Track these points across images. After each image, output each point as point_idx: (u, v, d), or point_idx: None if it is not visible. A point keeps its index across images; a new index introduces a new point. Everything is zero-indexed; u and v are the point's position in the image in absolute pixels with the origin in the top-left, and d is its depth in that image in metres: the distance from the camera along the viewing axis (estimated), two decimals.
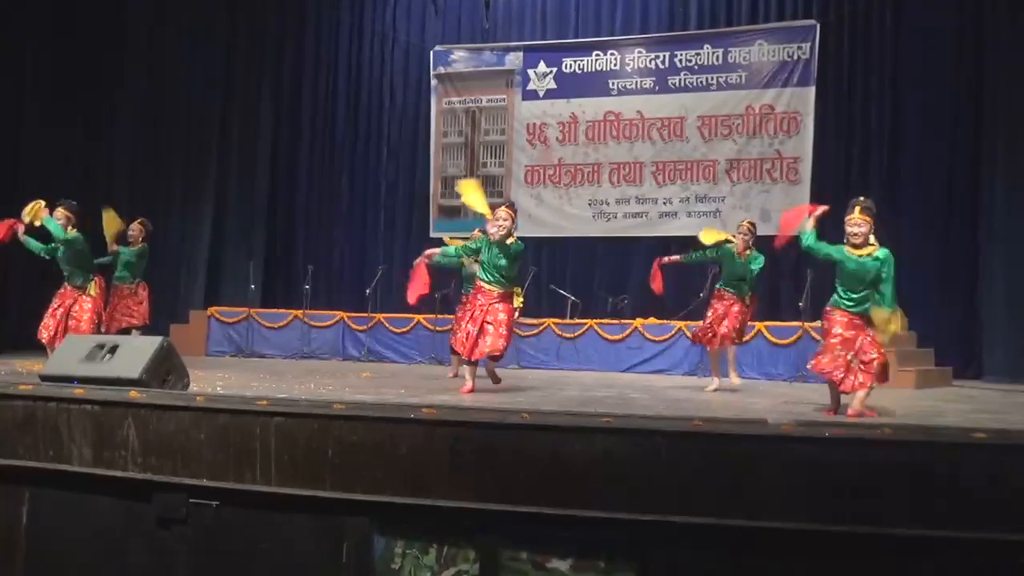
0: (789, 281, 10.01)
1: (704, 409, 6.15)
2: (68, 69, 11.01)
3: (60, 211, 7.39)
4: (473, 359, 6.73)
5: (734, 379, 7.73)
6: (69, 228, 7.37)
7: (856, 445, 3.21)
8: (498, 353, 6.73)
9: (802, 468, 3.18)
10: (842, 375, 5.59)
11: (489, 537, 3.44)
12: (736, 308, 7.52)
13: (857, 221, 5.74)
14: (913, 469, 3.11)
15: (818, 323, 8.80)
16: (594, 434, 3.34)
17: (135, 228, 8.81)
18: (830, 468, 3.16)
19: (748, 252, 7.57)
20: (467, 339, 6.65)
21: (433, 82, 11.88)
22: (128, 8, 11.91)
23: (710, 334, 7.54)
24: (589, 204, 11.18)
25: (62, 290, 7.47)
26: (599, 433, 3.34)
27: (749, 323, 7.97)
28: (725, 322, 7.48)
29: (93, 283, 7.47)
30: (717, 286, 7.81)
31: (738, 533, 3.19)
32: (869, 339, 5.62)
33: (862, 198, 5.98)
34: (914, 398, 7.46)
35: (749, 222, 7.84)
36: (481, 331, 6.58)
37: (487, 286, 6.73)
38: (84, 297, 7.39)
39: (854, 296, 5.69)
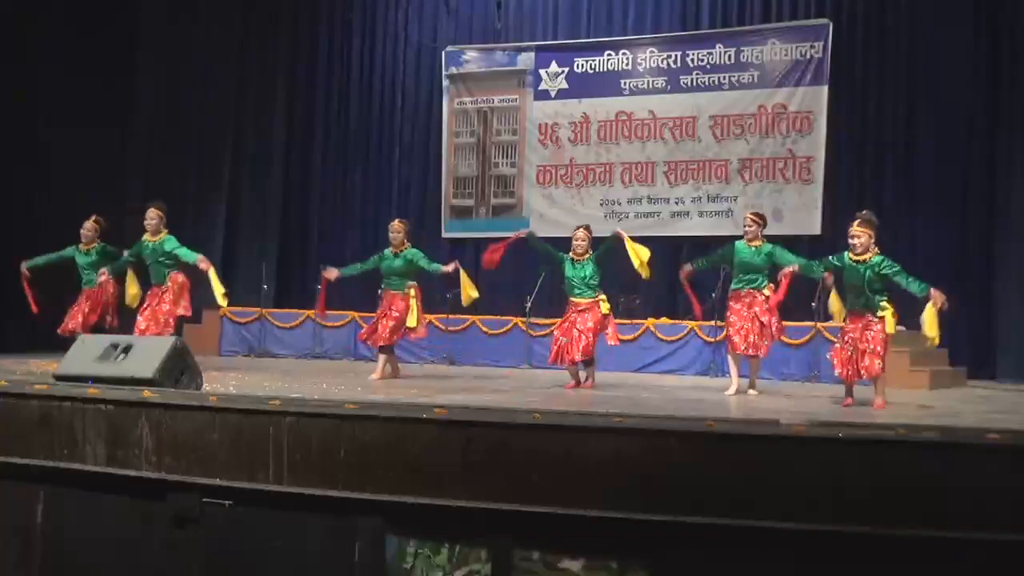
0: (800, 281, 9.97)
1: (716, 410, 6.13)
2: (83, 68, 11.05)
3: (153, 211, 7.94)
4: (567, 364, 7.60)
5: (752, 390, 7.26)
6: (161, 228, 7.97)
7: (869, 446, 3.19)
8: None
9: (814, 469, 3.17)
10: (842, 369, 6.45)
11: (501, 537, 3.44)
12: (758, 307, 7.17)
13: (856, 232, 6.45)
14: (927, 470, 3.10)
15: (830, 322, 8.82)
16: (606, 434, 3.35)
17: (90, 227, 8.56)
18: (843, 469, 3.15)
19: (758, 243, 7.30)
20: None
21: (445, 82, 11.88)
22: (143, 6, 11.96)
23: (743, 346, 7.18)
24: (601, 204, 11.16)
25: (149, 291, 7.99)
26: (611, 433, 3.35)
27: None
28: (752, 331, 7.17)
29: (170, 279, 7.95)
30: (732, 287, 7.46)
31: (750, 534, 3.18)
32: (872, 335, 6.35)
33: (864, 212, 6.69)
34: (928, 398, 7.42)
35: (752, 214, 7.57)
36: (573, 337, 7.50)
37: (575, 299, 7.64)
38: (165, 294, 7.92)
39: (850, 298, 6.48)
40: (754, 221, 7.40)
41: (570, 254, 7.78)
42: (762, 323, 7.13)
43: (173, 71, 12.05)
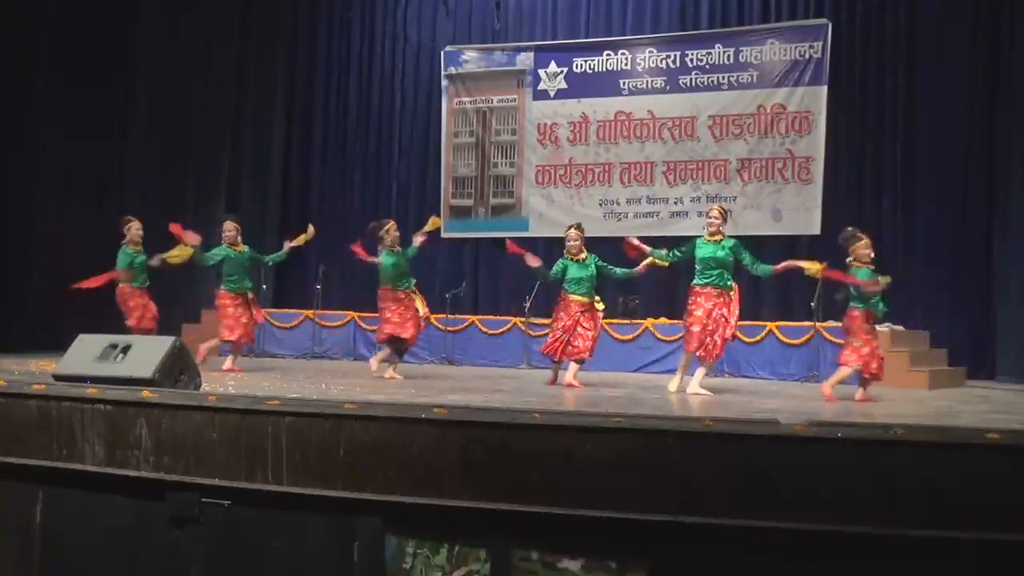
0: (801, 280, 9.98)
1: (715, 409, 6.14)
2: (80, 70, 11.05)
3: (230, 224, 8.77)
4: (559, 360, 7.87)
5: (695, 386, 7.14)
6: (238, 240, 8.73)
7: (869, 446, 3.19)
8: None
9: (814, 469, 3.17)
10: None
11: (500, 537, 3.44)
12: (726, 309, 7.12)
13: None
14: (926, 470, 3.10)
15: (829, 322, 8.84)
16: (605, 434, 3.34)
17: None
18: (842, 469, 3.15)
19: (719, 237, 7.23)
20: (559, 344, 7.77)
21: (444, 82, 11.89)
22: (142, 5, 11.95)
23: (710, 346, 7.11)
24: (600, 204, 11.16)
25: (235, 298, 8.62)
26: (610, 433, 3.34)
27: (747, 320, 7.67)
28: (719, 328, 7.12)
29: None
30: (694, 282, 7.33)
31: (749, 534, 3.18)
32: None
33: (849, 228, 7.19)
34: (927, 398, 7.43)
35: (718, 207, 7.51)
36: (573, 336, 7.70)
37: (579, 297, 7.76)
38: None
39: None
40: (720, 215, 7.35)
41: (567, 255, 7.84)
42: (723, 329, 7.10)
43: (172, 71, 12.04)
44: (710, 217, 7.39)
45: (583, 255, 7.82)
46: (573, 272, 7.77)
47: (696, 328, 7.17)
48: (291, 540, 3.71)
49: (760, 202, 10.48)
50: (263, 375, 8.18)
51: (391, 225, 8.42)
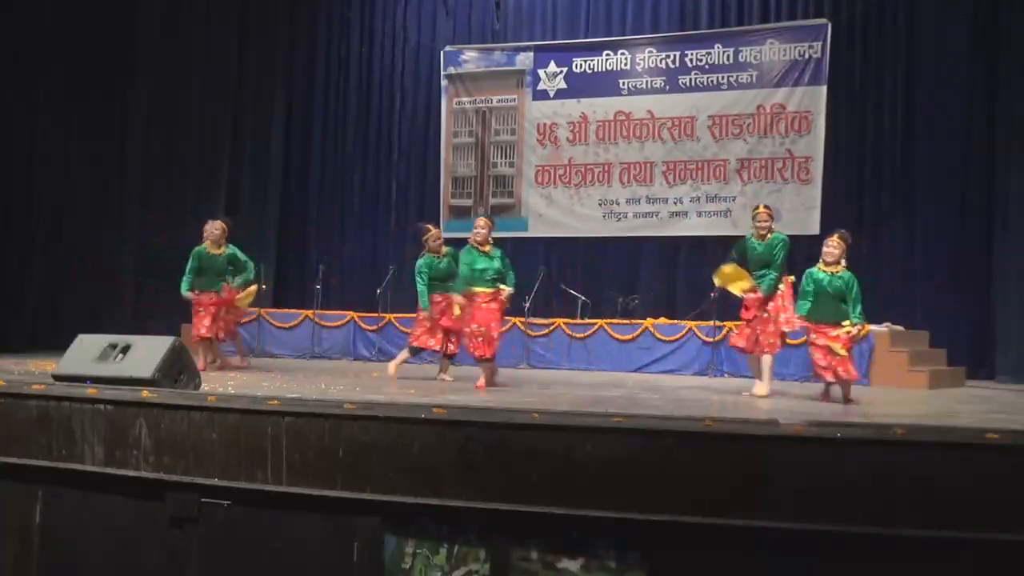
0: (799, 280, 9.97)
1: (715, 409, 6.13)
2: (80, 70, 11.04)
3: (220, 224, 8.74)
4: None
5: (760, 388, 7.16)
6: (223, 240, 8.68)
7: (868, 446, 3.19)
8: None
9: (813, 469, 3.17)
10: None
11: (499, 537, 3.44)
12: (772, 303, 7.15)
13: (834, 243, 6.85)
14: (926, 470, 3.10)
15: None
16: (605, 434, 3.34)
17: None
18: (841, 469, 3.15)
19: (769, 236, 7.25)
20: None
21: (444, 82, 11.89)
22: (141, 6, 11.94)
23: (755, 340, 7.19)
24: (599, 204, 11.16)
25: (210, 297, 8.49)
26: (610, 433, 3.34)
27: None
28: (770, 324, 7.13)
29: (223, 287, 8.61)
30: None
31: (749, 533, 3.18)
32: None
33: (843, 230, 7.07)
34: (927, 398, 7.42)
35: (764, 207, 7.51)
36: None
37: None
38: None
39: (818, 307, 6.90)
40: (769, 215, 7.37)
41: (472, 245, 7.51)
42: (775, 321, 7.12)
43: (172, 71, 12.03)
44: (759, 221, 7.35)
45: (488, 247, 7.50)
46: (480, 263, 7.44)
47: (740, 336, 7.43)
48: (291, 540, 3.71)
49: (759, 202, 10.45)
50: (263, 375, 8.17)
51: (435, 232, 8.34)
